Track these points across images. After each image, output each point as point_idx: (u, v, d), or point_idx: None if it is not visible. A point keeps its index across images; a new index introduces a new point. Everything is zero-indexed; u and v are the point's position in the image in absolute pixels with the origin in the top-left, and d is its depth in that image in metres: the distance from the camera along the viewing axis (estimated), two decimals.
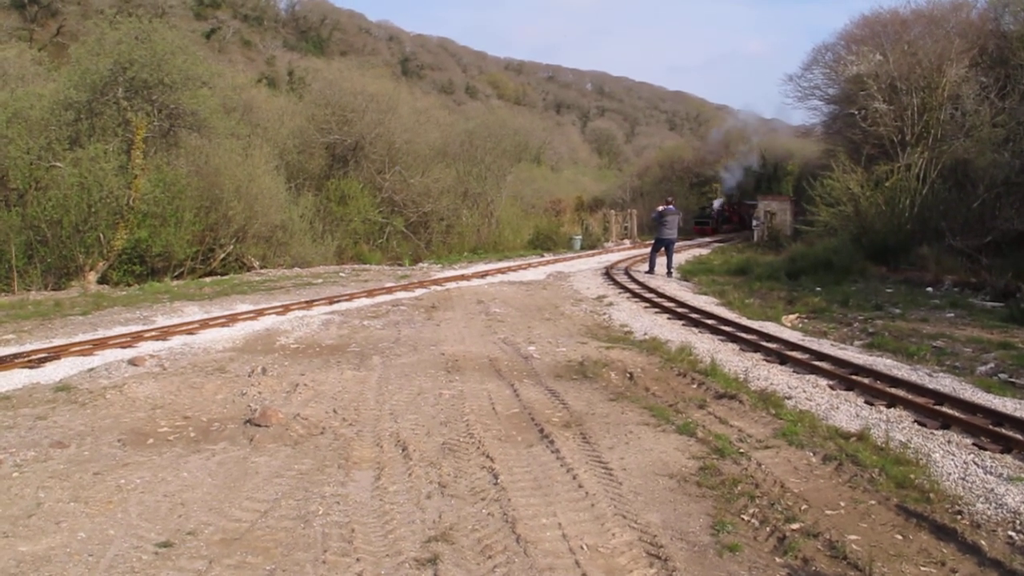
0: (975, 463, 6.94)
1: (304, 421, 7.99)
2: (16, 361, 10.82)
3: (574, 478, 6.48)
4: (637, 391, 9.58)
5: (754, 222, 42.85)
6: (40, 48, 41.82)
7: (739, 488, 6.29)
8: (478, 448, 7.23)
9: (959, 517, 5.79)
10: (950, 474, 6.70)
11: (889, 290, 18.92)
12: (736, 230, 52.45)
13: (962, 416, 8.17)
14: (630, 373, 10.40)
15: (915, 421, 8.22)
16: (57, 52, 42.46)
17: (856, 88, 28.99)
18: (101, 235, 22.55)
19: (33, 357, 11.06)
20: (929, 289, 18.79)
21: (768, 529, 5.57)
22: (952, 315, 15.34)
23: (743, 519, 5.75)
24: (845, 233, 25.25)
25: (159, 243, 23.91)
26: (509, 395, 9.29)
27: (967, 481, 6.54)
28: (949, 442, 7.52)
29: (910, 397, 8.97)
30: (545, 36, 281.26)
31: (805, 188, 30.71)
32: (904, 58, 27.19)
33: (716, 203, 55.68)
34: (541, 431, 7.78)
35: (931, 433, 7.81)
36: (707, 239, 46.80)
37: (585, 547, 5.25)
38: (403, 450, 7.17)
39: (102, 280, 22.47)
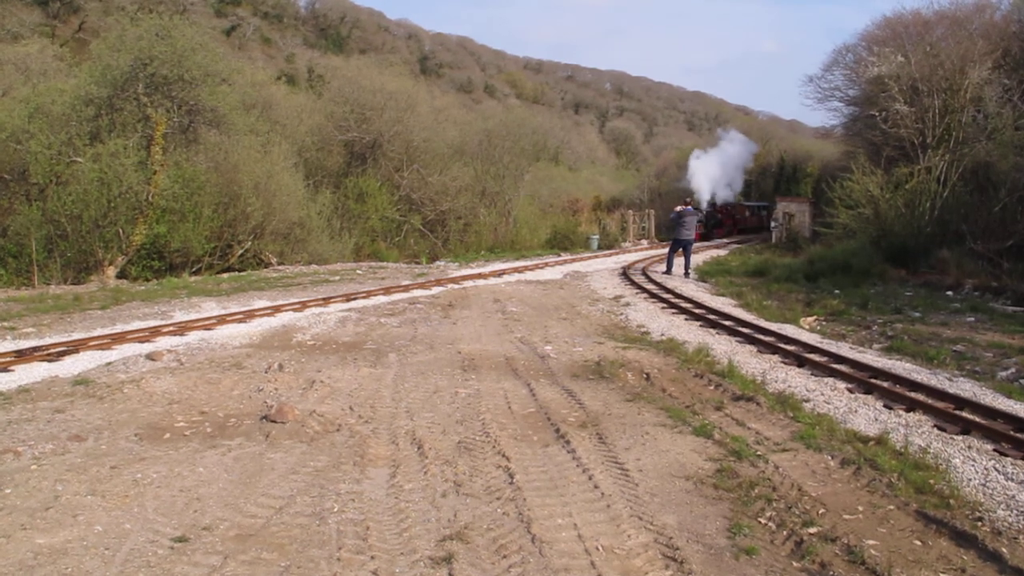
0: (996, 469, 6.86)
1: (320, 418, 7.99)
2: (35, 354, 10.89)
3: (590, 479, 6.45)
4: (654, 392, 9.54)
5: (772, 224, 42.62)
6: (62, 44, 42.20)
7: (756, 491, 6.24)
8: (494, 447, 7.21)
9: (980, 524, 5.72)
10: (970, 480, 6.63)
11: (909, 293, 18.78)
12: (729, 235, 48.74)
13: (983, 421, 8.08)
14: (647, 374, 10.36)
15: (935, 426, 8.13)
16: (79, 48, 42.73)
17: (877, 90, 28.80)
18: (120, 230, 22.71)
19: (52, 351, 11.14)
20: (949, 293, 18.65)
21: (785, 533, 5.52)
22: (972, 319, 15.22)
23: (760, 522, 5.70)
24: (864, 236, 25.08)
25: (177, 239, 24.06)
26: (525, 394, 9.27)
27: (988, 487, 6.47)
28: (969, 447, 7.44)
29: (930, 401, 8.89)
30: (563, 35, 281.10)
31: (824, 190, 30.54)
32: (926, 60, 27.01)
33: (706, 204, 50.67)
34: (557, 431, 7.76)
35: (951, 438, 7.73)
36: (710, 242, 44.21)
37: (601, 548, 5.22)
38: (419, 448, 7.16)
39: (121, 275, 22.65)
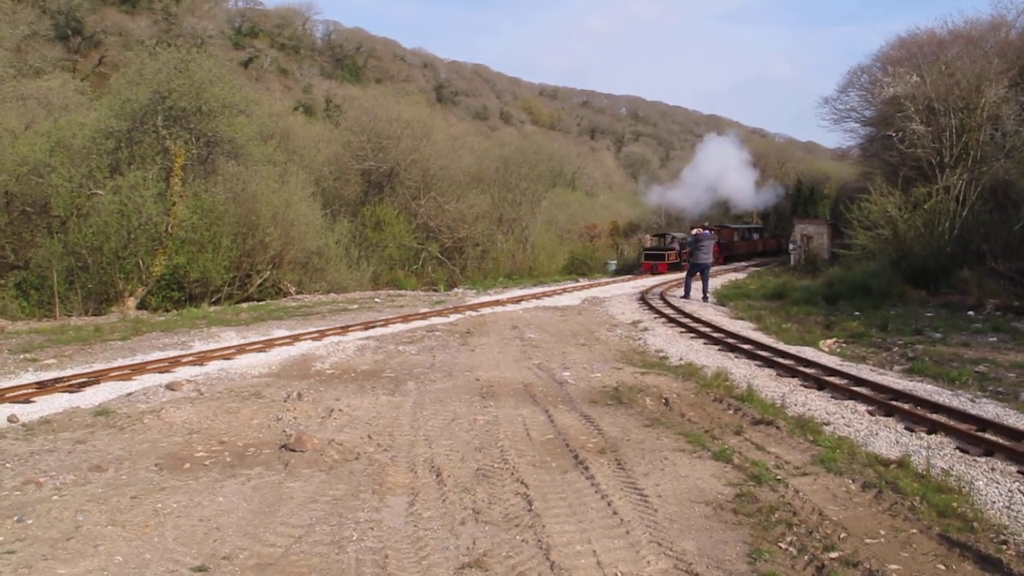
0: (1020, 491, 6.77)
1: (339, 446, 8.00)
2: (57, 385, 10.96)
3: (609, 505, 6.42)
4: (673, 417, 9.50)
5: (791, 246, 42.36)
6: (83, 78, 42.69)
7: (776, 516, 6.20)
8: (512, 474, 7.20)
9: (1004, 547, 5.65)
10: (994, 502, 6.55)
11: (929, 314, 18.65)
12: (714, 263, 37.83)
13: (1006, 443, 7.99)
14: (665, 399, 10.32)
15: (957, 448, 8.05)
16: (99, 82, 43.36)
17: (893, 110, 28.75)
18: (140, 261, 22.89)
19: (73, 382, 11.21)
20: (971, 313, 18.50)
21: (806, 558, 5.47)
22: (995, 339, 15.08)
23: (780, 547, 5.66)
24: (883, 257, 24.95)
25: (197, 269, 24.21)
26: (544, 421, 9.25)
27: (1012, 510, 6.39)
28: (993, 469, 7.36)
29: (952, 423, 8.80)
30: (577, 61, 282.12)
31: (842, 211, 30.44)
32: (942, 79, 26.95)
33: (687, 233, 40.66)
34: (576, 457, 7.73)
35: (974, 460, 7.65)
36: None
37: (620, 575, 5.18)
38: (437, 476, 7.16)
39: (141, 306, 22.79)
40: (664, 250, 39.42)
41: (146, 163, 24.62)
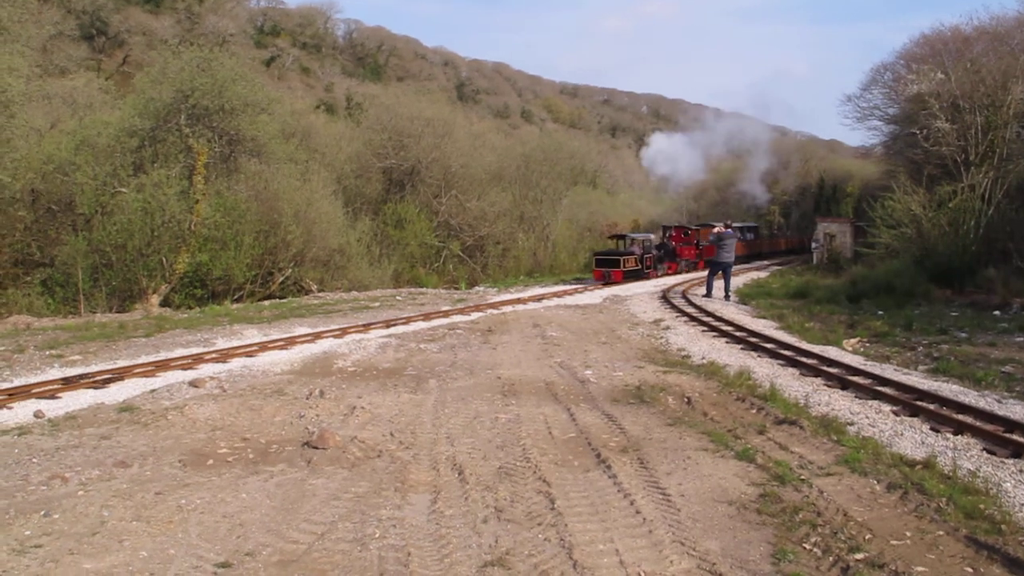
0: None
1: (361, 444, 8.01)
2: (82, 382, 11.06)
3: (631, 504, 6.40)
4: (695, 416, 9.46)
5: (813, 244, 42.07)
6: (107, 77, 43.13)
7: (800, 516, 6.15)
8: (534, 472, 7.18)
9: None
10: (1022, 505, 6.47)
11: (954, 313, 18.47)
12: (693, 269, 36.37)
13: None
14: (688, 398, 10.27)
15: (984, 449, 7.97)
16: (123, 81, 43.66)
17: (917, 107, 28.51)
18: (164, 259, 23.06)
19: (98, 378, 11.30)
20: (997, 312, 18.30)
21: (831, 559, 5.42)
22: (1022, 339, 14.90)
23: (805, 548, 5.61)
24: (907, 255, 24.74)
25: (219, 267, 24.36)
26: (565, 419, 9.23)
27: None
28: (1021, 471, 7.27)
29: (978, 424, 8.71)
30: (598, 59, 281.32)
31: (865, 210, 30.22)
32: (967, 76, 26.69)
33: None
34: (598, 456, 7.71)
35: (1001, 461, 7.56)
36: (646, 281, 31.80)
37: (643, 574, 5.16)
38: (459, 474, 7.15)
39: (164, 303, 22.95)
40: (620, 255, 31.90)
41: (169, 161, 24.80)
